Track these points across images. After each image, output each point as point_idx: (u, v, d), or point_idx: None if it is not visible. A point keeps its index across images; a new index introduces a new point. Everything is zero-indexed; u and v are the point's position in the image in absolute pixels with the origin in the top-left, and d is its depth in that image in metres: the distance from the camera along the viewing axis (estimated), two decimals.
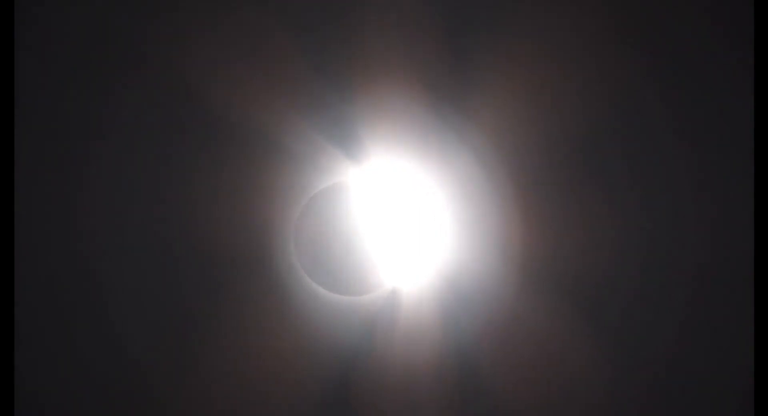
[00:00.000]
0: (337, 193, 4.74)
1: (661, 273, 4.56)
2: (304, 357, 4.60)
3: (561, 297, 4.58)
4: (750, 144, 4.45)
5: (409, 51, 4.61)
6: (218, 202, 4.60)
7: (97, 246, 4.56)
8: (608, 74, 4.57)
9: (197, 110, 4.57)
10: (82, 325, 4.55)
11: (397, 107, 4.63)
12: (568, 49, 4.57)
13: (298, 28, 4.60)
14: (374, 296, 4.72)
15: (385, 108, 4.63)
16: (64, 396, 4.53)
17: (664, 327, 4.56)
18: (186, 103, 4.56)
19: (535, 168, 4.60)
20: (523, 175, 4.61)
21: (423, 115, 4.63)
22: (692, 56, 4.56)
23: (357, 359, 4.61)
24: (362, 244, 4.72)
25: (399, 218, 4.76)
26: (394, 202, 4.77)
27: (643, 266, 4.57)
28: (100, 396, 4.55)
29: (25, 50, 4.51)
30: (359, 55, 4.59)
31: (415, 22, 4.59)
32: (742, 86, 4.50)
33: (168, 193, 4.59)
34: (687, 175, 4.56)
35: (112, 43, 4.56)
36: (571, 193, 4.59)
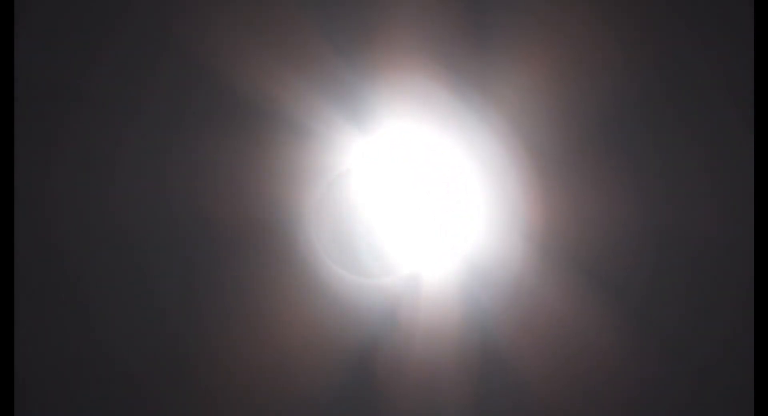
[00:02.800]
0: (356, 175, 4.71)
1: (684, 253, 4.57)
2: (325, 338, 4.59)
3: (582, 278, 4.57)
4: None
5: (431, 31, 4.59)
6: (237, 183, 4.59)
7: (113, 225, 4.56)
8: (633, 55, 4.57)
9: (217, 91, 4.56)
10: (95, 302, 4.55)
11: (418, 88, 4.61)
12: (592, 30, 4.57)
13: (317, 7, 4.59)
14: (395, 278, 4.69)
15: (406, 88, 4.61)
16: (77, 377, 4.54)
17: (686, 308, 4.57)
18: (205, 84, 4.56)
19: (557, 149, 4.59)
20: (545, 156, 4.60)
21: (444, 97, 4.61)
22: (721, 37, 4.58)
23: (378, 341, 4.59)
24: (383, 226, 4.70)
25: (419, 200, 4.72)
26: (415, 184, 4.73)
27: (665, 246, 4.57)
28: (117, 376, 4.56)
29: (37, 31, 4.53)
30: (380, 35, 4.58)
31: (436, 2, 4.58)
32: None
33: (184, 174, 4.58)
34: (711, 155, 4.57)
35: (131, 25, 4.56)
36: (593, 174, 4.59)
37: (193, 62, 4.55)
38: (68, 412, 4.49)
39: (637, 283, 4.56)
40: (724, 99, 4.56)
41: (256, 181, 4.59)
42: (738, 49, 4.57)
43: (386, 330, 4.59)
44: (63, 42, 4.56)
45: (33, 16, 4.53)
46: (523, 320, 4.58)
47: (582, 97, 4.57)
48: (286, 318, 4.57)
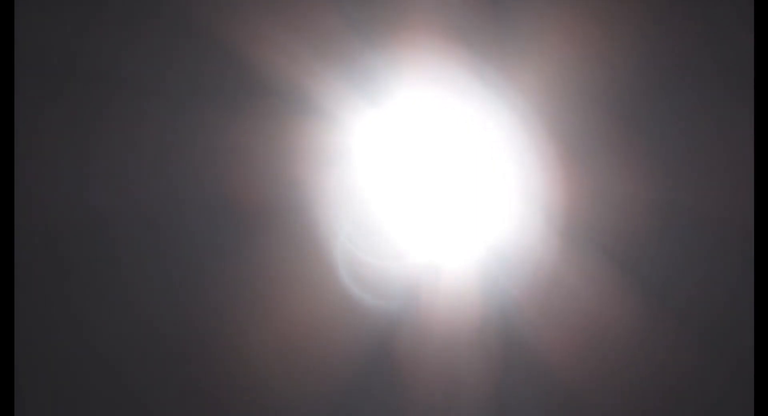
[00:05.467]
0: (375, 157, 4.69)
1: (706, 236, 4.57)
2: (344, 320, 4.59)
3: (603, 260, 4.57)
4: None
5: (452, 12, 4.58)
6: (255, 164, 4.58)
7: (128, 207, 4.55)
8: (655, 38, 4.57)
9: (235, 72, 4.55)
10: (108, 284, 4.55)
11: (438, 68, 4.60)
12: (614, 13, 4.57)
13: None
14: (414, 261, 4.67)
15: (426, 70, 4.60)
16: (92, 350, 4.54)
17: (708, 290, 4.57)
18: (223, 65, 4.55)
19: (579, 131, 4.59)
20: (566, 138, 4.59)
21: (464, 77, 4.60)
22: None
23: (397, 323, 4.58)
24: (401, 208, 4.70)
25: (438, 182, 4.71)
26: (433, 167, 4.71)
27: (687, 229, 4.57)
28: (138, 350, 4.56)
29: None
30: (400, 16, 4.57)
31: None
32: None
33: (201, 156, 4.58)
34: (732, 138, 4.56)
35: (149, 5, 4.56)
36: (614, 157, 4.58)
37: (209, 43, 4.55)
38: (78, 393, 4.49)
39: (658, 266, 4.56)
40: (742, 82, 4.57)
41: (275, 162, 4.58)
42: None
43: (406, 313, 4.59)
44: (79, 23, 4.55)
45: None
46: (544, 302, 4.57)
47: (604, 79, 4.57)
48: (304, 300, 4.56)
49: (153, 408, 4.54)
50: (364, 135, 4.67)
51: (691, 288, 4.57)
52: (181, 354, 4.54)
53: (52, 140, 4.53)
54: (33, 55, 4.53)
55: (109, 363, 4.52)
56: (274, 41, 4.56)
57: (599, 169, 4.59)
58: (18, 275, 4.46)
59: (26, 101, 4.50)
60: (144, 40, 4.56)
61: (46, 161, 4.53)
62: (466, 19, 4.59)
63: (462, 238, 4.70)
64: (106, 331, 4.54)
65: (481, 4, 4.59)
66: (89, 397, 4.51)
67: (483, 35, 4.59)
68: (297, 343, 4.55)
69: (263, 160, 4.58)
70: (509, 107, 4.61)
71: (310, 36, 4.56)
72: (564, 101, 4.59)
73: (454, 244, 4.70)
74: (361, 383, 4.56)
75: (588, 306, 4.56)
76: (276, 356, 4.53)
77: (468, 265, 4.65)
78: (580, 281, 4.57)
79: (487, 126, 4.65)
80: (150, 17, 4.56)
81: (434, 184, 4.71)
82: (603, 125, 4.59)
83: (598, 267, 4.57)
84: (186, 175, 4.57)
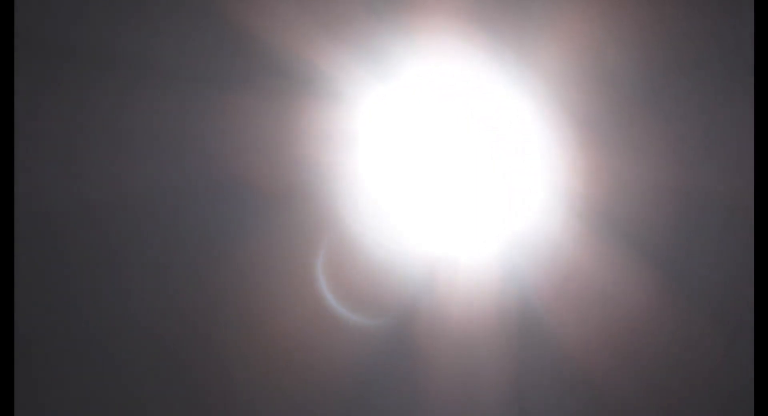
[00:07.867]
0: (392, 141, 4.65)
1: (726, 220, 4.55)
2: (361, 303, 4.58)
3: (624, 247, 4.55)
4: None
5: None
6: (273, 146, 4.54)
7: (144, 188, 4.51)
8: (675, 25, 4.54)
9: (252, 54, 4.51)
10: (117, 266, 4.51)
11: (456, 52, 4.56)
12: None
13: None
14: (432, 245, 4.64)
15: (442, 52, 4.56)
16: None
17: (727, 274, 4.55)
18: (239, 47, 4.51)
19: (598, 116, 4.55)
20: (586, 124, 4.56)
21: (482, 61, 4.56)
22: None
23: (416, 306, 4.56)
24: (420, 195, 4.66)
25: (455, 168, 4.66)
26: (450, 153, 4.66)
27: (709, 215, 4.55)
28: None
29: None
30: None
31: None
32: None
33: (218, 138, 4.53)
34: (752, 123, 4.46)
35: None
36: (635, 143, 4.55)
37: (222, 23, 4.50)
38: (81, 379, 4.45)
39: (679, 253, 4.55)
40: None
41: (293, 144, 4.54)
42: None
43: (424, 296, 4.56)
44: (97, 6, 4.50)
45: None
46: (564, 290, 4.55)
47: (625, 64, 4.53)
48: (320, 282, 4.54)
49: (150, 406, 4.50)
50: (379, 119, 4.63)
51: (712, 274, 4.56)
52: (183, 349, 4.52)
53: (57, 126, 4.47)
54: (34, 39, 4.47)
55: (103, 360, 4.47)
56: (289, 22, 4.51)
57: (621, 155, 4.57)
58: (18, 266, 4.39)
59: (30, 88, 4.44)
60: (153, 20, 4.51)
61: (51, 147, 4.48)
62: (483, 1, 4.55)
63: (480, 226, 4.67)
64: (104, 327, 4.49)
65: None
66: (88, 395, 4.46)
67: (501, 17, 4.56)
68: (310, 334, 4.54)
69: (277, 142, 4.54)
70: (528, 92, 4.59)
71: (325, 17, 4.52)
72: (584, 86, 4.57)
73: (472, 233, 4.67)
74: (377, 375, 4.55)
75: (608, 293, 4.56)
76: (292, 334, 4.53)
77: (487, 253, 4.63)
78: (601, 268, 4.56)
79: (506, 112, 4.62)
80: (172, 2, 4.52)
81: (451, 172, 4.67)
82: (624, 111, 4.57)
83: (618, 253, 4.56)
84: (196, 159, 4.53)
